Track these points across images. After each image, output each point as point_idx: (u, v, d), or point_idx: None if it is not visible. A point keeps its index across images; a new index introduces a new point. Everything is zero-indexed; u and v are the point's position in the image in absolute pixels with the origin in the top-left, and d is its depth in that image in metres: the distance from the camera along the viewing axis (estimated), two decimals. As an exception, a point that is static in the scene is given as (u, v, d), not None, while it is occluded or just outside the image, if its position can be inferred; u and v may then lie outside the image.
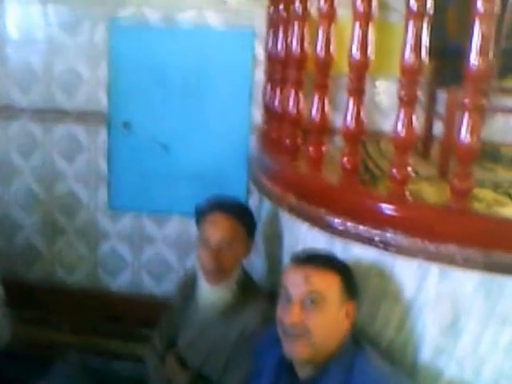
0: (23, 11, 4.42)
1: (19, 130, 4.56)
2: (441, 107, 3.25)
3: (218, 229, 2.75)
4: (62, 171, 4.57)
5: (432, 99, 3.36)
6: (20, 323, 3.68)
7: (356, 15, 2.35)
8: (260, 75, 4.07)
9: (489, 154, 3.25)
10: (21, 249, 4.73)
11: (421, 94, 2.27)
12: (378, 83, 3.98)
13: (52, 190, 4.61)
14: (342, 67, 2.57)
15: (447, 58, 3.08)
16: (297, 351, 2.17)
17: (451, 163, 2.62)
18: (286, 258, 2.75)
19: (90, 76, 4.39)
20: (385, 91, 3.98)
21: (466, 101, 2.09)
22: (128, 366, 3.41)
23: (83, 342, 4.18)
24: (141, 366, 3.06)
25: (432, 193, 2.48)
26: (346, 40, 2.42)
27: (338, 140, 2.82)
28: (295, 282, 2.19)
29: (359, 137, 2.44)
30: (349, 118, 2.41)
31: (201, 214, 2.87)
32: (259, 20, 4.02)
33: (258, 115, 4.02)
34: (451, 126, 2.81)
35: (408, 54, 2.19)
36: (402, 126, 2.23)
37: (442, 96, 3.22)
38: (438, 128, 3.25)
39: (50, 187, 4.61)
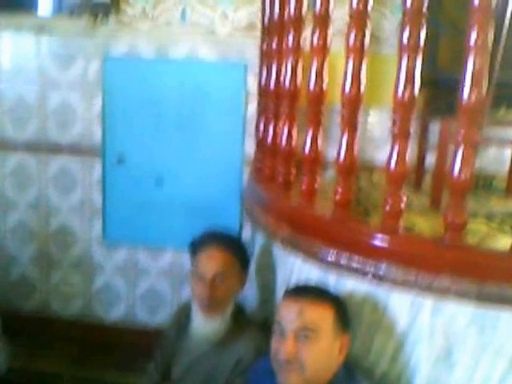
0: (17, 45, 4.43)
1: (14, 164, 4.57)
2: (433, 137, 3.23)
3: (213, 262, 2.74)
4: (57, 204, 4.57)
5: (424, 130, 3.35)
6: (15, 354, 3.65)
7: (349, 50, 2.34)
8: (253, 107, 4.08)
9: (481, 185, 3.24)
10: (16, 281, 4.73)
11: (413, 126, 2.25)
12: (370, 114, 3.97)
13: (47, 223, 4.61)
14: (334, 98, 2.57)
15: (439, 88, 3.07)
16: (291, 383, 2.14)
17: (444, 195, 2.62)
18: (280, 290, 2.74)
19: (84, 110, 4.40)
20: (377, 122, 3.98)
21: (460, 134, 2.07)
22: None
23: (78, 373, 4.15)
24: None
25: (425, 225, 2.47)
26: (339, 71, 2.41)
27: (331, 171, 2.81)
28: (289, 316, 2.17)
29: (352, 170, 2.42)
30: (342, 151, 2.39)
31: (196, 247, 2.85)
32: (251, 53, 4.04)
33: (250, 147, 4.00)
34: (444, 158, 2.80)
35: (401, 89, 2.18)
36: (395, 160, 2.21)
37: (434, 126, 3.20)
38: (430, 158, 3.24)
39: (44, 220, 4.61)
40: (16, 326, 3.81)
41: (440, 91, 3.09)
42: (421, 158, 3.36)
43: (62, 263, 4.66)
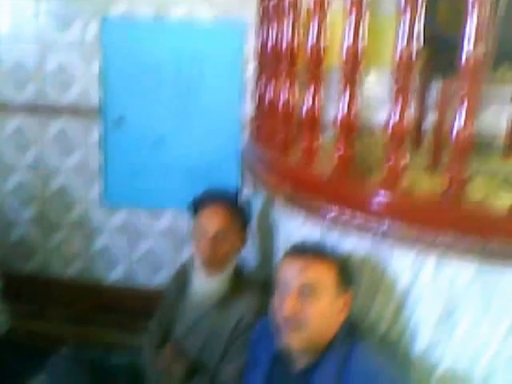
0: (15, 8, 4.38)
1: (13, 127, 4.55)
2: (432, 97, 3.20)
3: (215, 219, 2.74)
4: (57, 166, 4.55)
5: (424, 89, 3.30)
6: (16, 315, 3.68)
7: (349, 6, 2.28)
8: (251, 68, 4.03)
9: (482, 144, 3.20)
10: (16, 242, 4.72)
11: (414, 84, 2.21)
12: (369, 75, 3.92)
13: (46, 184, 4.59)
14: (333, 60, 2.51)
15: (438, 48, 3.02)
16: (292, 342, 2.13)
17: (444, 154, 2.58)
18: (280, 250, 2.71)
19: (83, 71, 4.36)
20: (376, 83, 3.93)
21: (461, 91, 2.03)
22: (124, 357, 3.36)
23: (78, 334, 4.16)
24: (137, 357, 3.02)
25: (425, 183, 2.42)
26: (338, 31, 2.36)
27: (331, 132, 2.77)
28: (290, 274, 2.14)
29: (353, 127, 2.38)
30: (343, 108, 2.35)
31: (197, 206, 2.85)
32: (250, 13, 3.97)
33: (249, 108, 3.95)
34: (444, 116, 2.77)
35: (402, 46, 2.13)
36: (397, 117, 2.18)
37: (434, 85, 3.16)
38: (430, 118, 3.20)
39: (44, 182, 4.59)
40: (16, 287, 3.82)
41: (440, 50, 3.05)
42: (420, 117, 3.32)
43: (61, 225, 4.64)
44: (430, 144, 2.96)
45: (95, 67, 4.33)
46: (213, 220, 2.74)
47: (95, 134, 4.43)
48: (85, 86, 4.38)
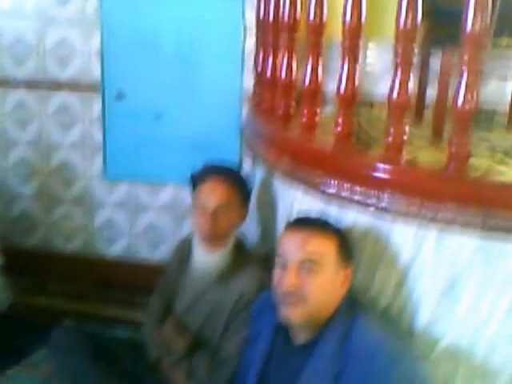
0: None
1: (14, 102, 4.54)
2: (433, 70, 3.15)
3: (215, 194, 2.70)
4: (58, 141, 4.54)
5: (425, 61, 3.25)
6: (17, 290, 3.70)
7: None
8: (251, 41, 3.97)
9: (483, 119, 3.16)
10: (17, 217, 4.72)
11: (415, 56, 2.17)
12: (369, 48, 3.88)
13: (47, 159, 4.59)
14: (333, 34, 2.48)
15: (439, 19, 2.97)
16: (293, 316, 2.11)
17: (446, 127, 2.55)
18: (281, 224, 2.68)
19: (83, 46, 4.34)
20: (376, 56, 3.89)
21: (463, 62, 2.00)
22: (126, 332, 3.36)
23: (80, 309, 4.15)
24: (139, 332, 3.01)
25: (427, 157, 2.39)
26: (338, 5, 2.32)
27: (331, 107, 2.75)
28: (290, 248, 2.12)
29: (353, 101, 2.35)
30: (343, 81, 2.32)
31: (197, 180, 2.80)
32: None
33: (249, 82, 3.92)
34: (445, 89, 2.73)
35: (403, 17, 2.10)
36: (397, 90, 2.15)
37: (434, 59, 3.11)
38: (431, 92, 3.16)
39: (45, 157, 4.59)
40: (18, 263, 3.81)
41: (441, 21, 2.99)
42: (421, 91, 3.26)
43: (62, 199, 4.63)
44: (431, 117, 2.91)
45: (95, 42, 4.30)
46: (212, 195, 2.69)
47: (96, 109, 4.41)
48: (85, 61, 4.35)
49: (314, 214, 2.29)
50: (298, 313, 2.08)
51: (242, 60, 4.12)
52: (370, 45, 3.87)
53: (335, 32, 2.40)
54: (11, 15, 4.38)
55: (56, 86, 4.42)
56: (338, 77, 2.34)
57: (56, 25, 4.33)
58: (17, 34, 4.40)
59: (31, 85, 4.46)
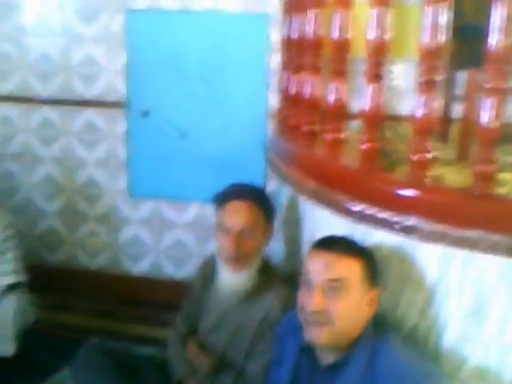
0: (41, 1, 4.39)
1: (40, 119, 4.57)
2: (459, 88, 3.14)
3: (240, 216, 2.66)
4: (83, 159, 4.56)
5: (450, 80, 3.23)
6: (42, 307, 3.69)
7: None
8: (276, 59, 3.98)
9: (508, 136, 3.13)
10: (43, 234, 4.74)
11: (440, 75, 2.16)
12: (394, 67, 3.87)
13: (73, 177, 4.60)
14: (358, 51, 2.49)
15: (465, 39, 2.95)
16: (319, 338, 2.08)
17: (471, 146, 2.53)
18: (306, 244, 2.67)
19: (109, 63, 4.37)
20: (401, 74, 3.88)
21: (487, 82, 1.99)
22: (150, 350, 3.36)
23: (104, 326, 4.16)
24: (163, 350, 3.00)
25: (452, 176, 2.37)
26: (362, 23, 2.33)
27: (355, 124, 2.74)
28: (317, 269, 2.09)
29: (379, 121, 2.34)
30: (368, 102, 2.31)
31: (221, 201, 2.77)
32: (274, 4, 3.96)
33: (274, 100, 3.92)
34: (471, 108, 2.71)
35: (428, 36, 2.09)
36: (422, 109, 2.13)
37: (460, 76, 3.10)
38: (456, 110, 3.14)
39: (71, 174, 4.61)
40: (43, 279, 3.82)
41: (466, 42, 2.98)
42: (446, 109, 3.25)
43: (88, 216, 4.65)
44: (456, 136, 2.89)
45: (121, 60, 4.33)
46: (237, 216, 2.66)
47: (121, 126, 4.43)
48: (110, 79, 4.38)
49: (339, 234, 2.27)
50: (324, 334, 2.06)
51: (267, 77, 4.12)
52: (395, 63, 3.86)
53: (359, 49, 2.41)
54: (38, 33, 4.42)
55: (81, 103, 4.44)
56: (363, 96, 2.33)
57: (82, 42, 4.37)
58: (43, 52, 4.43)
59: (57, 102, 4.48)
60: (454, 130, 3.05)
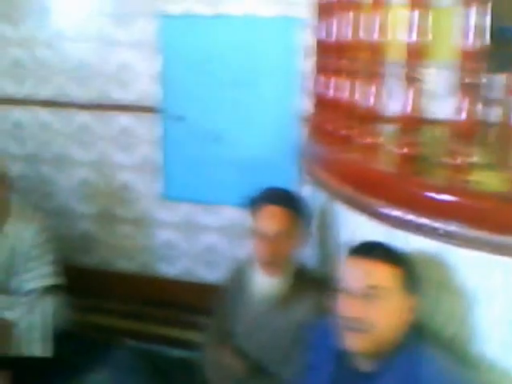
0: (77, 7, 4.45)
1: (78, 124, 4.62)
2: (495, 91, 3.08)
3: (275, 221, 2.63)
4: (119, 163, 4.58)
5: (487, 82, 3.17)
6: (77, 309, 3.70)
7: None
8: (307, 64, 3.94)
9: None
10: (79, 237, 4.79)
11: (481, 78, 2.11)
12: (429, 70, 3.82)
13: (109, 180, 4.64)
14: (393, 54, 2.42)
15: (501, 41, 2.89)
16: (357, 345, 2.04)
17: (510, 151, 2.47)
18: (342, 248, 2.61)
19: (144, 69, 4.40)
20: (434, 76, 3.82)
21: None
22: (183, 352, 3.35)
23: (138, 328, 4.21)
24: (195, 352, 2.99)
25: (492, 181, 2.31)
26: (398, 26, 2.32)
27: (390, 127, 2.69)
28: (354, 275, 2.05)
29: (417, 125, 2.29)
30: (406, 105, 2.26)
31: (256, 205, 2.74)
32: (306, 8, 3.90)
33: (305, 104, 3.88)
34: (509, 111, 2.64)
35: (468, 39, 2.04)
36: (463, 113, 2.08)
37: (497, 80, 3.04)
38: (492, 113, 3.08)
39: (107, 178, 4.65)
40: (78, 281, 3.81)
41: (502, 42, 2.92)
42: (485, 112, 3.18)
43: (123, 220, 4.68)
44: (494, 141, 2.83)
45: (156, 65, 4.35)
46: (272, 221, 2.63)
47: (157, 131, 4.45)
48: (146, 84, 4.41)
49: (377, 240, 2.22)
50: (362, 342, 2.02)
51: (300, 82, 4.11)
52: (430, 66, 3.80)
53: (395, 54, 2.36)
54: (74, 38, 4.47)
55: (118, 108, 4.48)
56: (400, 100, 2.29)
57: (117, 48, 4.41)
58: (80, 57, 4.48)
59: (94, 107, 4.52)
60: (491, 134, 2.98)
